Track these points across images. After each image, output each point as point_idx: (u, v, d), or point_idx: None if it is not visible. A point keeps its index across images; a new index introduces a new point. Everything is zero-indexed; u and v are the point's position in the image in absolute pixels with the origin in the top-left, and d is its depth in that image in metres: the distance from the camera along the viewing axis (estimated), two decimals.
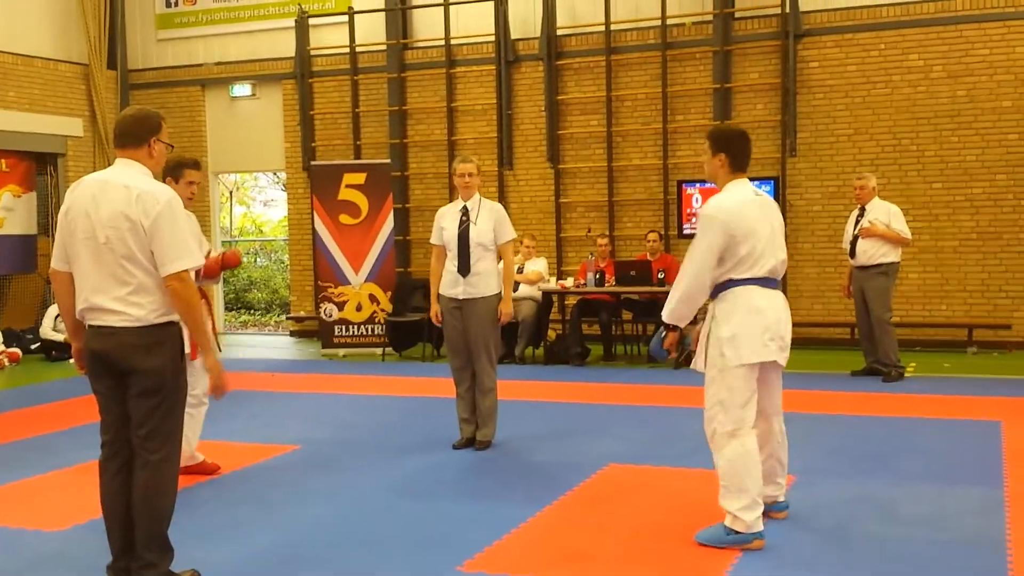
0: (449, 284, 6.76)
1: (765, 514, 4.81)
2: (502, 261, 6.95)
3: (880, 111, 11.56)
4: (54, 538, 5.08)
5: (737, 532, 4.65)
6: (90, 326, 4.08)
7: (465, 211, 6.78)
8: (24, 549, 4.92)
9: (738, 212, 4.66)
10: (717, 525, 4.73)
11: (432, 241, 6.92)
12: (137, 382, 4.02)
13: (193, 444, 6.17)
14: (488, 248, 6.75)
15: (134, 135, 4.14)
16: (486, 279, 6.73)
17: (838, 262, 11.25)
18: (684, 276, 4.72)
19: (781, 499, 5.09)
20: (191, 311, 4.04)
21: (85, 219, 4.03)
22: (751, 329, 4.64)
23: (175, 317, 4.09)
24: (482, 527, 5.06)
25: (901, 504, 5.35)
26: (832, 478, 5.87)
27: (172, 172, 5.89)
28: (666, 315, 4.80)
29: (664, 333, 4.88)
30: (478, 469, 6.38)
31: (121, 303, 3.98)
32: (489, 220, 6.75)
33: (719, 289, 4.74)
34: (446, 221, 6.81)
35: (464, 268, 6.68)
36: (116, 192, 4.01)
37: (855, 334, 10.75)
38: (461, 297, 6.71)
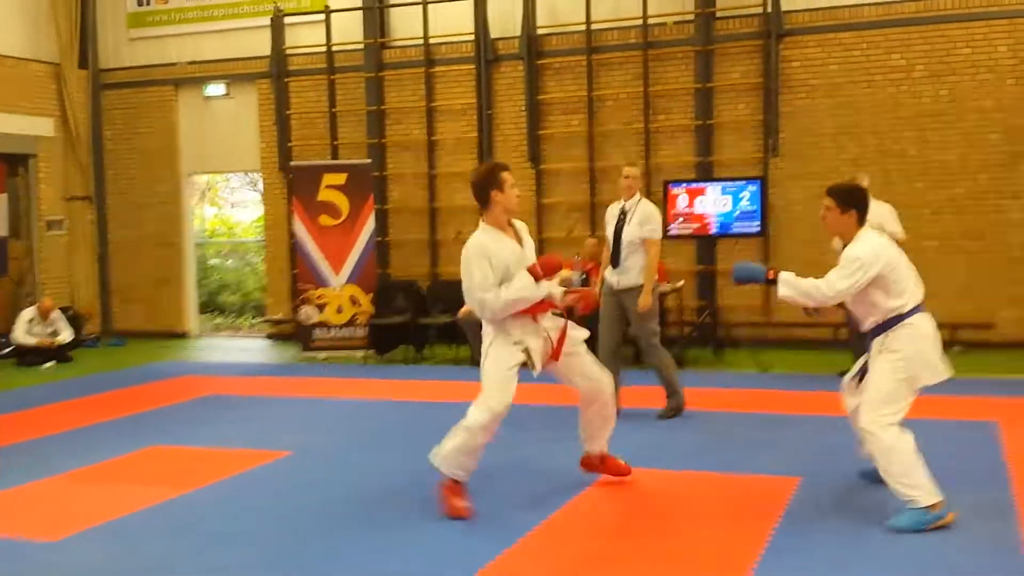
0: (610, 273, 7.68)
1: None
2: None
3: (862, 111, 11.56)
4: (54, 548, 4.93)
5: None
6: None
7: (623, 211, 7.61)
8: (25, 559, 4.78)
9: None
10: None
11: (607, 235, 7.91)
12: None
13: None
14: (640, 245, 7.51)
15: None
16: (635, 272, 7.52)
17: (822, 263, 11.03)
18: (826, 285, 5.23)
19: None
20: None
21: None
22: None
23: None
24: (484, 539, 4.96)
25: None
26: (838, 479, 5.84)
27: (492, 183, 5.48)
28: (783, 292, 5.39)
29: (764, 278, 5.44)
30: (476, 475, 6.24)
31: None
32: (639, 220, 7.51)
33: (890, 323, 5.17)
34: (609, 218, 7.76)
35: (615, 261, 7.62)
36: None
37: (836, 335, 10.74)
38: (617, 287, 7.60)
